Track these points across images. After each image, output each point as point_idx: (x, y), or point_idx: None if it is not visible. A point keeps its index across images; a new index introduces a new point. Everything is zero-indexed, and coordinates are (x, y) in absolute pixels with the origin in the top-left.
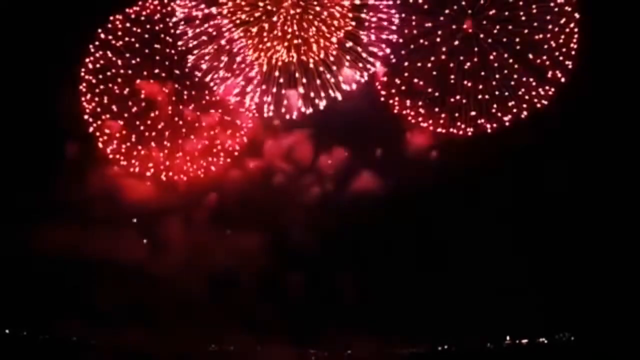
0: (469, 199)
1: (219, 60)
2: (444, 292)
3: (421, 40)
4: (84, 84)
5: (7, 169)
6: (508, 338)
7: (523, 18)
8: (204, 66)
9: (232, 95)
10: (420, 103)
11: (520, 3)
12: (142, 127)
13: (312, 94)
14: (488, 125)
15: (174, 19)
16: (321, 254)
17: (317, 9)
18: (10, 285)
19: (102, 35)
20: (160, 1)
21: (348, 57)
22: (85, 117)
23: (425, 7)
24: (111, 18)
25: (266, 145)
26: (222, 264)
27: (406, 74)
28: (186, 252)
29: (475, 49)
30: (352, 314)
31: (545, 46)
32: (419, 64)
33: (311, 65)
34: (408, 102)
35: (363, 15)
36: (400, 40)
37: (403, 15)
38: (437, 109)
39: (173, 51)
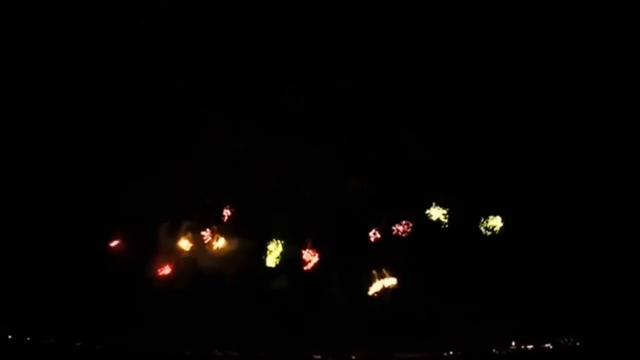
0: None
1: None
2: (449, 296)
3: None
4: None
5: None
6: (513, 343)
7: None
8: None
9: None
10: None
11: None
12: None
13: None
14: None
15: None
16: (322, 259)
17: None
18: (13, 289)
19: None
20: None
21: None
22: None
23: None
24: None
25: None
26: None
27: None
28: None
29: None
30: (356, 319)
31: None
32: None
33: None
34: None
35: None
36: None
37: None
38: None
39: None
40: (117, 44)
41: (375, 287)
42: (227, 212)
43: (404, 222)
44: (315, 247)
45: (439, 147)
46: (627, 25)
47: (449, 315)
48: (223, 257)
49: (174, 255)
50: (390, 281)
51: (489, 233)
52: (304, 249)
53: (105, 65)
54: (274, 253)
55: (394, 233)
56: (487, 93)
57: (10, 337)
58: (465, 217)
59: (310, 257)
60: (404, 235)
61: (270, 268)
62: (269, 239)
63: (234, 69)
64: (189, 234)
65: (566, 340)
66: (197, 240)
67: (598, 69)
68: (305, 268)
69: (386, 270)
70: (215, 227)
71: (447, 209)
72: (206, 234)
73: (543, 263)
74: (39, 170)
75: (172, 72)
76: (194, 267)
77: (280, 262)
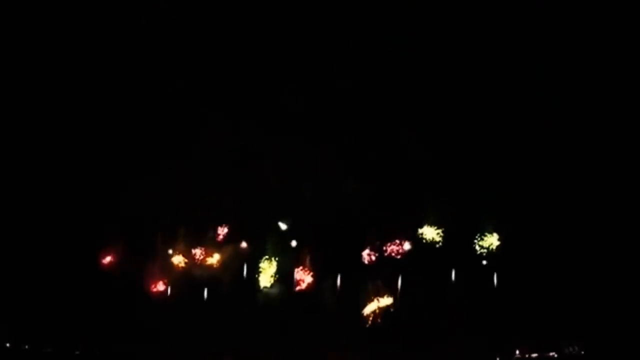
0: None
1: None
2: (453, 307)
3: None
4: None
5: None
6: (518, 352)
7: None
8: None
9: None
10: None
11: None
12: None
13: None
14: None
15: None
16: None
17: None
18: (12, 299)
19: None
20: None
21: None
22: None
23: None
24: None
25: None
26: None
27: None
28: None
29: None
30: (355, 335)
31: None
32: None
33: None
34: None
35: None
36: None
37: None
38: None
39: None
40: (118, 44)
41: (372, 306)
42: (222, 231)
43: (397, 242)
44: (309, 266)
45: (434, 160)
46: (627, 25)
47: (451, 327)
48: (217, 274)
49: (169, 270)
50: (386, 300)
51: (484, 251)
52: (298, 268)
53: (105, 65)
54: (268, 272)
55: (386, 254)
56: (485, 97)
57: (8, 345)
58: (460, 236)
59: (304, 276)
60: (397, 257)
61: (265, 286)
62: (263, 257)
63: (234, 69)
64: (183, 251)
65: (570, 349)
66: (191, 257)
67: (598, 69)
68: (298, 288)
69: (382, 289)
70: (208, 245)
71: (442, 229)
72: (198, 252)
73: (545, 274)
74: (37, 181)
75: (172, 72)
76: (188, 282)
77: (274, 280)
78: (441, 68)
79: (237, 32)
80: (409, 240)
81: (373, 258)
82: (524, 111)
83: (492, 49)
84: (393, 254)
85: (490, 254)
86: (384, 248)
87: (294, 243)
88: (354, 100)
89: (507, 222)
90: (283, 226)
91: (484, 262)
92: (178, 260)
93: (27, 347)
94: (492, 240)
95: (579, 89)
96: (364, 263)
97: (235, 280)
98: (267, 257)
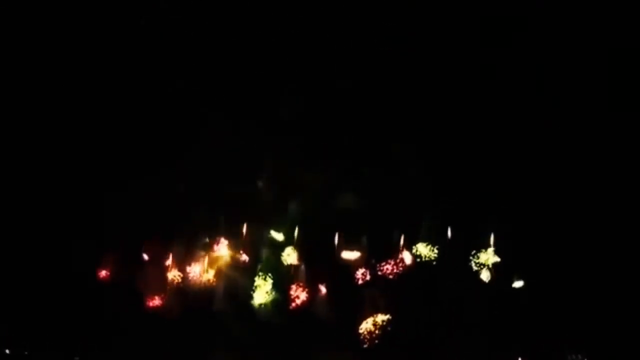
0: None
1: None
2: (452, 320)
3: None
4: None
5: None
6: None
7: None
8: None
9: None
10: None
11: None
12: None
13: None
14: None
15: None
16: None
17: None
18: (11, 304)
19: None
20: None
21: None
22: None
23: None
24: None
25: None
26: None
27: None
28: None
29: None
30: (356, 349)
31: None
32: None
33: None
34: None
35: None
36: None
37: None
38: None
39: None
40: (117, 43)
41: (367, 324)
42: (217, 245)
43: (392, 261)
44: (305, 283)
45: (427, 172)
46: (627, 25)
47: (451, 339)
48: (212, 290)
49: (165, 285)
50: (382, 318)
51: (482, 268)
52: (293, 284)
53: (104, 65)
54: (262, 288)
55: (381, 273)
56: (481, 106)
57: (7, 352)
58: (455, 252)
59: (299, 293)
60: (391, 277)
61: (260, 303)
62: (257, 274)
63: (234, 69)
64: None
65: (574, 357)
66: (186, 273)
67: (598, 70)
68: (293, 304)
69: (378, 306)
70: (203, 259)
71: (437, 245)
72: (194, 268)
73: (546, 283)
74: (35, 182)
75: (172, 72)
76: (183, 297)
77: (269, 297)
78: (439, 71)
79: (237, 32)
80: (403, 257)
81: (368, 277)
82: (522, 117)
83: (491, 49)
84: (387, 273)
85: (488, 268)
86: (379, 266)
87: (289, 258)
88: (352, 107)
89: (504, 235)
90: (279, 237)
91: (482, 277)
92: (173, 275)
93: (26, 353)
94: (488, 256)
95: (579, 91)
96: (358, 282)
97: (230, 296)
98: (262, 272)
